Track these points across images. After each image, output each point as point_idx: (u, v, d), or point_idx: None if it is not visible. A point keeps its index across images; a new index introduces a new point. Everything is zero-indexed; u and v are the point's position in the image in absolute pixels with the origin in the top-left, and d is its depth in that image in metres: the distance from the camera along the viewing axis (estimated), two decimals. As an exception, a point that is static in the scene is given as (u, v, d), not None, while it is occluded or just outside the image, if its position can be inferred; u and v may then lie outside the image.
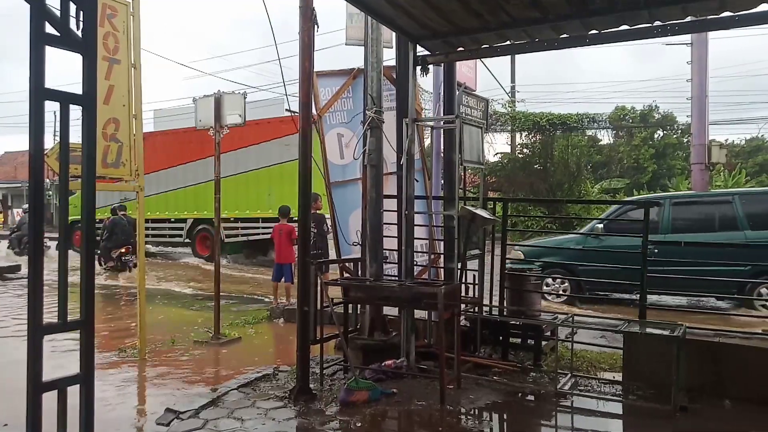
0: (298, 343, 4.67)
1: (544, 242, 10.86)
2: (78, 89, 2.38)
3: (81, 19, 2.34)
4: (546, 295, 9.39)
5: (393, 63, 6.22)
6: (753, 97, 43.82)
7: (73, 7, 2.31)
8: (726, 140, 32.67)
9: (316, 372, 5.04)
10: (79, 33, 2.34)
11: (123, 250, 14.00)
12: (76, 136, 2.45)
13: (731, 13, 4.47)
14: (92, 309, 2.43)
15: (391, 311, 5.90)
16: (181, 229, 17.45)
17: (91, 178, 2.43)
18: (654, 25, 4.73)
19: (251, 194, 15.47)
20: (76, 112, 2.39)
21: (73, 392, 2.37)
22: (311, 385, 4.74)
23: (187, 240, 17.44)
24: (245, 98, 7.16)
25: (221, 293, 7.41)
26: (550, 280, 9.83)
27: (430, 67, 5.86)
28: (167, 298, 10.67)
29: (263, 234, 15.16)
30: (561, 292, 9.85)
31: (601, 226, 9.67)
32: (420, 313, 5.64)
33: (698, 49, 15.22)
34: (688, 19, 4.61)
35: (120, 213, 14.57)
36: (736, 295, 8.91)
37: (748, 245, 8.71)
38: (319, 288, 5.01)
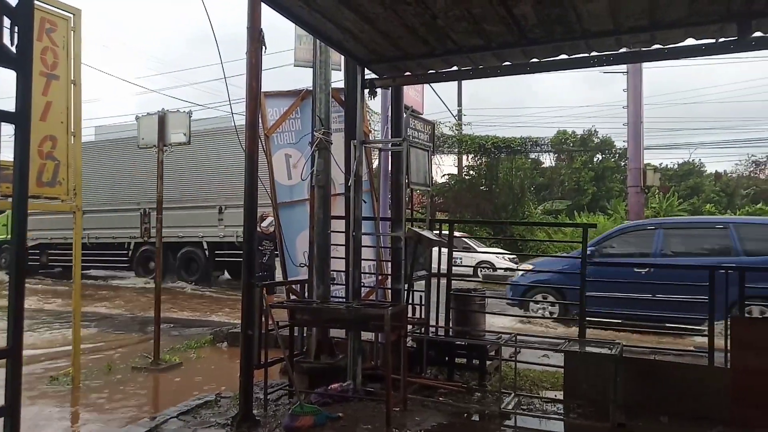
0: (241, 368, 4.55)
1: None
2: (12, 104, 2.28)
3: (16, 34, 2.25)
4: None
5: (341, 85, 6.27)
6: (685, 123, 46.48)
7: (7, 22, 2.23)
8: (660, 164, 34.52)
9: (260, 397, 4.92)
10: (14, 48, 2.25)
11: None
12: (10, 153, 2.35)
13: (661, 46, 4.73)
14: (21, 336, 2.30)
15: (338, 333, 5.85)
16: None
17: (23, 197, 2.32)
18: (591, 55, 4.95)
19: None
20: (10, 127, 2.29)
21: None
22: (255, 411, 4.62)
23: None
24: (190, 116, 7.03)
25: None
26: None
27: (378, 90, 5.93)
28: (106, 322, 10.23)
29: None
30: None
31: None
32: (367, 335, 5.62)
33: (633, 77, 16.04)
34: (623, 50, 4.86)
35: None
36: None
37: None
38: (264, 310, 4.93)
